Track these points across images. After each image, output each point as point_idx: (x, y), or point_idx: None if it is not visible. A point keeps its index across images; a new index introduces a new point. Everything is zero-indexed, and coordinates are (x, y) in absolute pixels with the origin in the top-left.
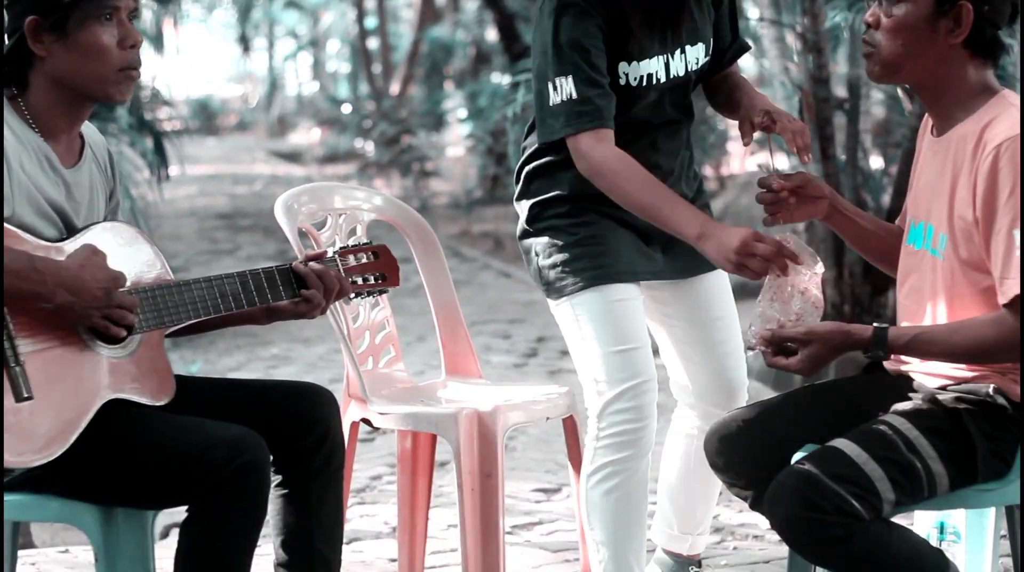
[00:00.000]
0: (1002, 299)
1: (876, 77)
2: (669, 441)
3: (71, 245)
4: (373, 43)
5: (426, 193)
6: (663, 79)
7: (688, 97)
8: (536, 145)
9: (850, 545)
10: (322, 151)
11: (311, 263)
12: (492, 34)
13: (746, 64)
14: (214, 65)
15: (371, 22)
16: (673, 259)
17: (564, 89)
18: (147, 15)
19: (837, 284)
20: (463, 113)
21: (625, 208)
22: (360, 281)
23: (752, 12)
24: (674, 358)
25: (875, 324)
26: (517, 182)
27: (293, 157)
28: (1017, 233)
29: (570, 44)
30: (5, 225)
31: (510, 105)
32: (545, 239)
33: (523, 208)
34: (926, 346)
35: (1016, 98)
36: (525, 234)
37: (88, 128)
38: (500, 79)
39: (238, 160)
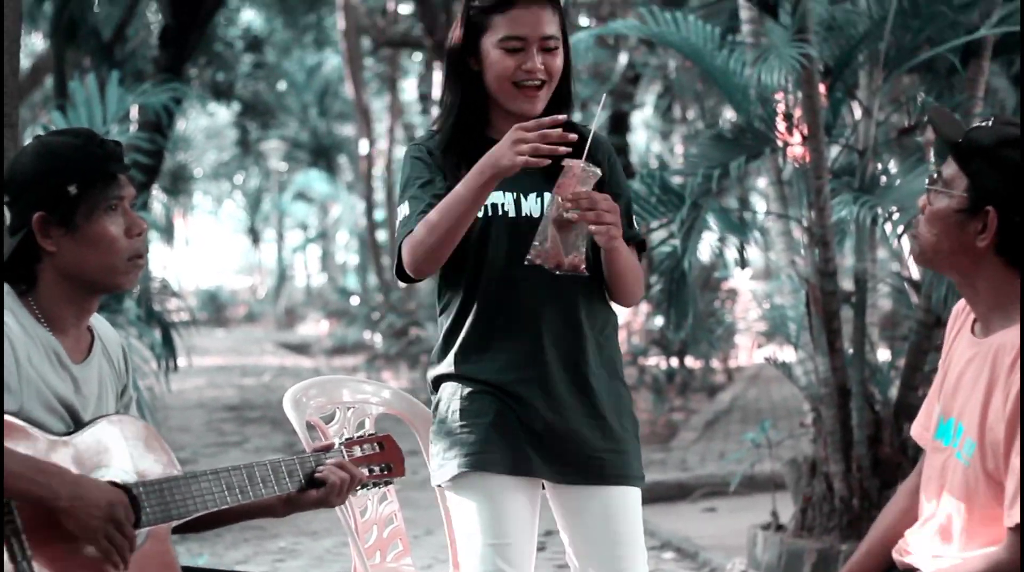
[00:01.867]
0: (1007, 522)
1: (916, 260)
2: None
3: (79, 438)
4: (382, 235)
5: None
6: (512, 211)
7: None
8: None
9: None
10: (330, 343)
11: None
12: None
13: (753, 256)
14: (223, 256)
15: (380, 214)
16: (558, 464)
17: (402, 211)
18: (157, 207)
19: (845, 477)
20: None
21: (437, 240)
22: (366, 472)
23: (759, 205)
24: (574, 561)
25: None
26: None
27: (301, 349)
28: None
29: (411, 177)
30: (12, 420)
31: None
32: (434, 428)
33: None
34: None
35: None
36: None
37: (100, 322)
38: None
39: (247, 352)
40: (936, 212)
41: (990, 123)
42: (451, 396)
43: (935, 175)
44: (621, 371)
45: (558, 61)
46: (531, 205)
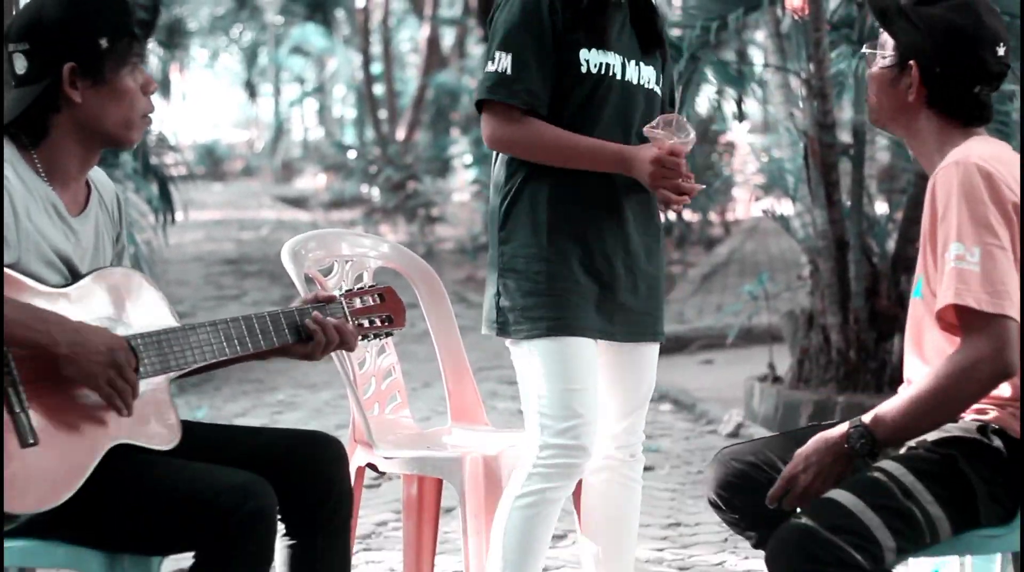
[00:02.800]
0: (937, 306)
1: (870, 121)
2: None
3: (76, 290)
4: (379, 89)
5: (432, 239)
6: (618, 75)
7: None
8: (506, 178)
9: None
10: (328, 197)
11: (315, 314)
12: None
13: (751, 109)
14: (220, 110)
15: (377, 68)
16: (624, 322)
17: (501, 63)
18: (154, 61)
19: (843, 330)
20: (468, 159)
21: (533, 157)
22: (367, 323)
23: (757, 58)
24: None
25: (850, 422)
26: (497, 221)
27: (299, 202)
28: (953, 247)
29: (521, 25)
30: (10, 273)
31: None
32: (509, 282)
33: (496, 234)
34: (908, 417)
35: (987, 137)
36: (494, 266)
37: (97, 173)
38: None
39: (244, 206)
40: (874, 74)
41: None
42: (535, 248)
43: (874, 40)
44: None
45: None
46: (632, 71)
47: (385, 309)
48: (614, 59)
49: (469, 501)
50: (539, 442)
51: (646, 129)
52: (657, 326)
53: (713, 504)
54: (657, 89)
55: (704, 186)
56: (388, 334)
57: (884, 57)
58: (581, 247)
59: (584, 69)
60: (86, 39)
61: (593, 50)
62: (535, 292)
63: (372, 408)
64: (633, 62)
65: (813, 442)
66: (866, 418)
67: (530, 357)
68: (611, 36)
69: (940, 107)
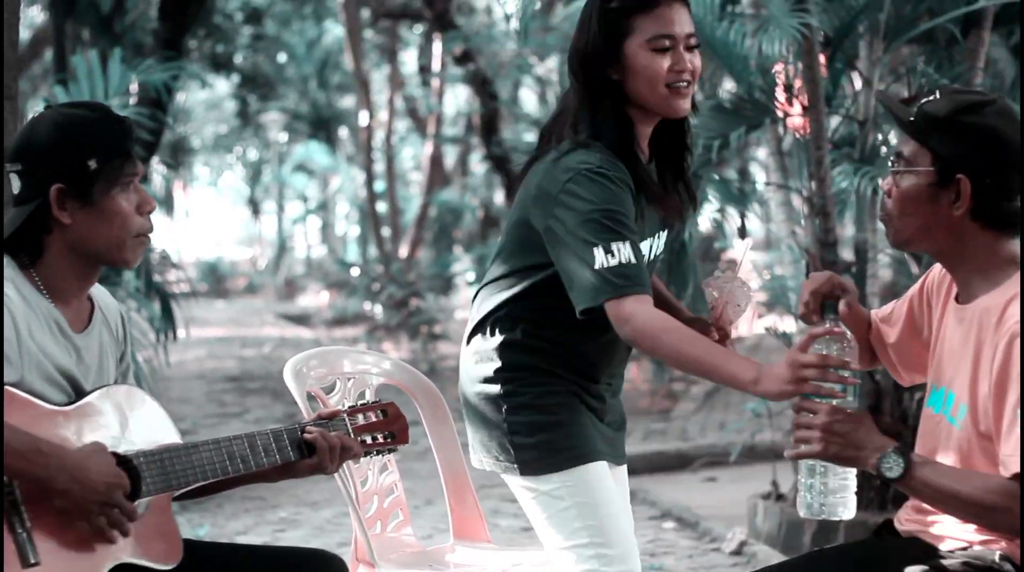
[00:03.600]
0: (1004, 473)
1: (892, 245)
2: None
3: (79, 408)
4: (382, 206)
5: (434, 356)
6: (647, 258)
7: None
8: (510, 313)
9: None
10: (330, 314)
11: (317, 427)
12: (500, 197)
13: (753, 227)
14: (223, 228)
15: (380, 186)
16: (616, 444)
17: (621, 253)
18: (157, 179)
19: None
20: (471, 276)
21: (674, 366)
22: (370, 440)
23: (759, 176)
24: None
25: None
26: (479, 333)
27: (302, 320)
28: (1019, 411)
29: (619, 212)
30: (13, 391)
31: None
32: (522, 418)
33: (489, 373)
34: (939, 477)
35: None
36: (496, 406)
37: (99, 291)
38: None
39: (247, 323)
40: (906, 192)
41: (937, 95)
42: (538, 385)
43: (894, 158)
44: None
45: (699, 60)
46: (656, 247)
47: (388, 426)
48: (646, 245)
49: None
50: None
51: (705, 282)
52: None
53: None
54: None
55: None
56: (391, 450)
57: (919, 174)
58: (581, 378)
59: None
60: (74, 161)
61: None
62: (551, 425)
63: (374, 526)
64: (655, 237)
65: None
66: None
67: (561, 491)
68: (648, 216)
69: (985, 220)
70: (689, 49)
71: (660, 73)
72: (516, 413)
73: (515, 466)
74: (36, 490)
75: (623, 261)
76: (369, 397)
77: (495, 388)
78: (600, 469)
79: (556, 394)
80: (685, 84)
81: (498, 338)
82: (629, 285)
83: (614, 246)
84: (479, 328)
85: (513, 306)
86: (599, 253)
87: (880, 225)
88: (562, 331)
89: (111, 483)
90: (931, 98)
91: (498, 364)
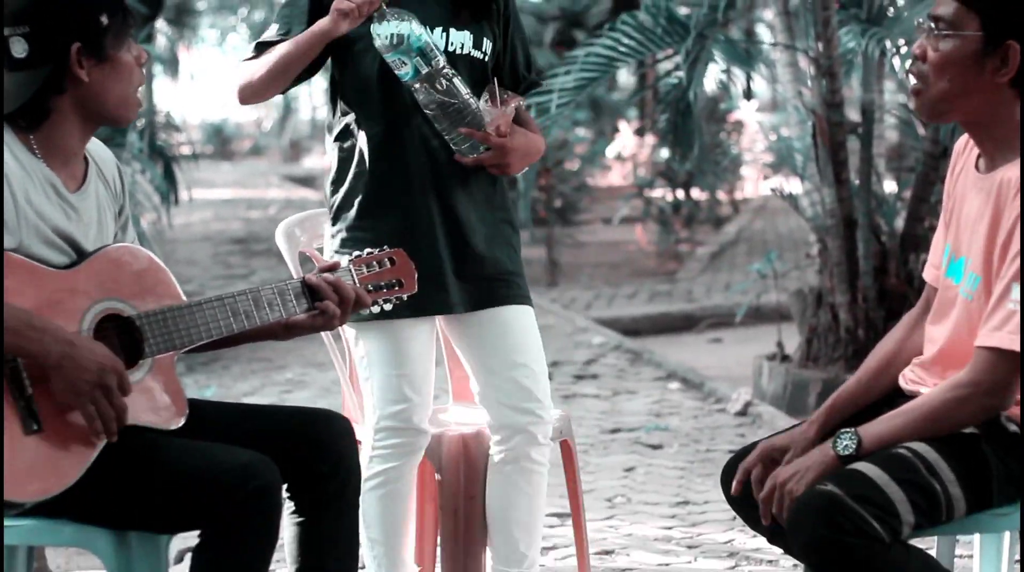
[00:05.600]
0: (978, 341)
1: (925, 115)
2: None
3: (81, 270)
4: None
5: None
6: None
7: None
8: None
9: (870, 568)
10: None
11: (325, 274)
12: None
13: (760, 88)
14: (229, 90)
15: None
16: (467, 290)
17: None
18: (161, 40)
19: (851, 308)
20: None
21: (269, 82)
22: (376, 289)
23: (765, 36)
24: (475, 381)
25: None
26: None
27: (307, 182)
28: (1017, 287)
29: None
30: (13, 256)
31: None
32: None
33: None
34: (891, 422)
35: None
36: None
37: (95, 145)
38: None
39: (252, 185)
40: (947, 56)
41: None
42: (359, 237)
43: (933, 19)
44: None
45: None
46: (436, 39)
47: (396, 273)
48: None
49: (446, 478)
50: (372, 425)
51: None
52: (509, 290)
53: (729, 500)
54: (477, 54)
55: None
56: (399, 299)
57: (963, 37)
58: (401, 225)
59: (378, 43)
60: (88, 17)
61: (384, 23)
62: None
63: None
64: (440, 29)
65: (806, 456)
66: (861, 429)
67: (359, 342)
68: (403, 3)
69: (1019, 87)
70: None
71: None
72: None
73: None
74: (35, 364)
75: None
76: None
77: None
78: (398, 326)
79: (374, 238)
80: None
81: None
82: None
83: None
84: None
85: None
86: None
87: (886, 86)
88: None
89: (104, 365)
90: None
91: (331, 203)
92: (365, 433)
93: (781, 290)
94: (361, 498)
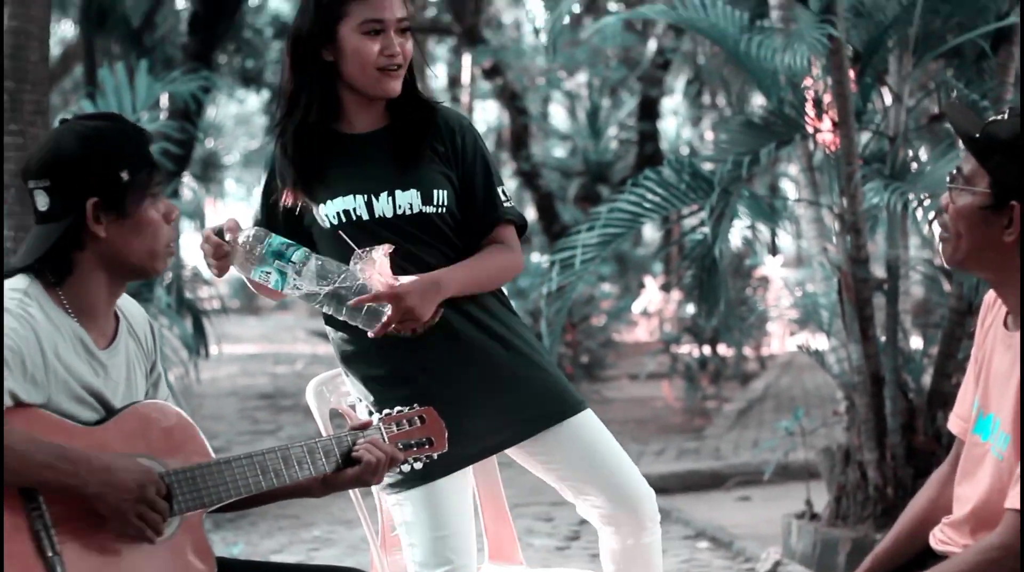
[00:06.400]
0: (1008, 503)
1: (947, 263)
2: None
3: (109, 427)
4: None
5: None
6: (365, 215)
7: (442, 244)
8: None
9: None
10: None
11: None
12: (530, 212)
13: (785, 243)
14: None
15: None
16: (512, 421)
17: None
18: (188, 194)
19: (879, 466)
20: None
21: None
22: (406, 447)
23: (790, 192)
24: (570, 494)
25: None
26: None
27: None
28: None
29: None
30: (42, 412)
31: (547, 283)
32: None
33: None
34: None
35: None
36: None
37: (126, 301)
38: (539, 259)
39: (279, 340)
40: (960, 210)
41: (1006, 116)
42: (367, 403)
43: (955, 173)
44: (515, 327)
45: (410, 44)
46: (383, 205)
47: (425, 432)
48: (354, 201)
49: None
50: None
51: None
52: (548, 408)
53: None
54: (429, 209)
55: None
56: (429, 457)
57: (974, 193)
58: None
59: (327, 225)
60: (107, 173)
61: (328, 202)
62: None
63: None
64: (385, 194)
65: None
66: None
67: (400, 507)
68: (347, 178)
69: None
70: (400, 32)
71: (370, 56)
72: None
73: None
74: (65, 508)
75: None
76: None
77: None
78: (435, 487)
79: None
80: (395, 67)
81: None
82: None
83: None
84: None
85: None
86: None
87: (911, 242)
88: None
89: (142, 481)
90: (998, 118)
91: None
92: None
93: (809, 447)
94: None
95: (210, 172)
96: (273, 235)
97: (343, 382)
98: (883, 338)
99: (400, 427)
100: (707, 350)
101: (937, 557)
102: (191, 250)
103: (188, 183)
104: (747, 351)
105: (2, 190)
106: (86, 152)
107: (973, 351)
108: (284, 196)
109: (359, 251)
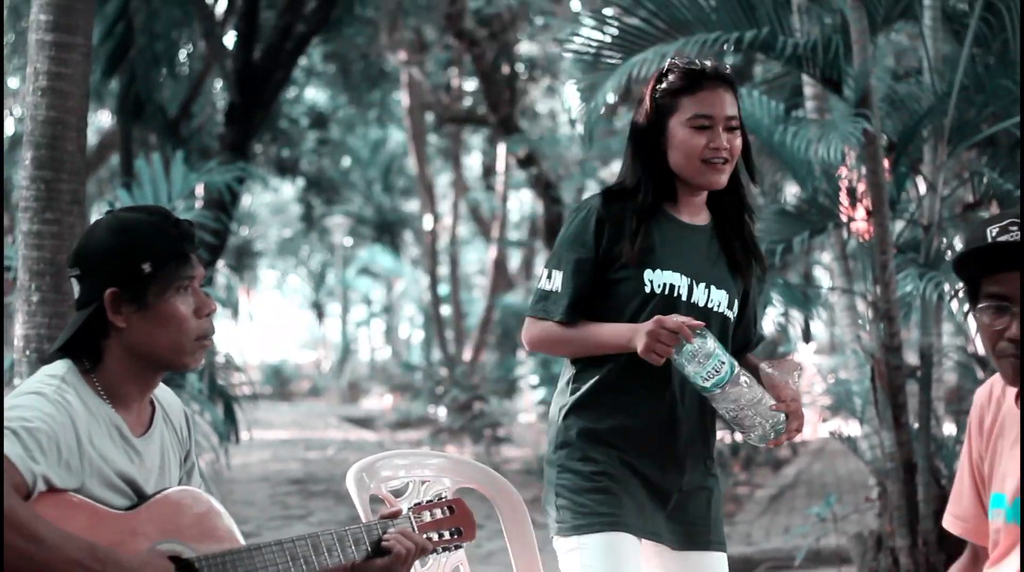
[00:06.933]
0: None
1: (1012, 383)
2: None
3: (141, 512)
4: (446, 310)
5: (498, 459)
6: (684, 296)
7: None
8: (566, 386)
9: None
10: (394, 417)
11: (392, 527)
12: None
13: (818, 331)
14: (288, 331)
15: (444, 289)
16: (675, 530)
17: (554, 280)
18: (221, 282)
19: (911, 552)
20: (535, 380)
21: (561, 353)
22: (436, 537)
23: (824, 280)
24: None
25: None
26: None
27: (365, 423)
28: None
29: (570, 244)
30: (74, 496)
31: None
32: (566, 480)
33: (554, 438)
34: None
35: None
36: (552, 469)
37: (162, 391)
38: None
39: (311, 425)
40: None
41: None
42: (586, 460)
43: (988, 302)
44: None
45: (739, 140)
46: (699, 294)
47: (455, 522)
48: (680, 280)
49: None
50: None
51: (762, 366)
52: (711, 536)
53: None
54: (729, 314)
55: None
56: (458, 547)
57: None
58: (634, 454)
59: (648, 290)
60: (127, 264)
61: (658, 270)
62: (587, 489)
63: None
64: (703, 285)
65: None
66: None
67: (579, 553)
68: (676, 257)
69: None
70: (729, 130)
71: (696, 148)
72: (563, 475)
73: (553, 525)
74: None
75: (549, 288)
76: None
77: (554, 453)
78: (618, 540)
79: (600, 463)
80: (721, 161)
81: (560, 402)
82: (538, 309)
83: (553, 273)
84: (558, 391)
85: (570, 370)
86: (543, 275)
87: (944, 329)
88: (599, 375)
89: None
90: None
91: (557, 428)
92: None
93: (841, 533)
94: None
95: (244, 260)
96: (714, 340)
97: (383, 467)
98: (916, 425)
99: (432, 516)
100: (739, 436)
101: None
102: (223, 337)
103: (222, 271)
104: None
105: (2, 184)
106: (110, 242)
107: (966, 450)
108: (605, 257)
109: (786, 360)
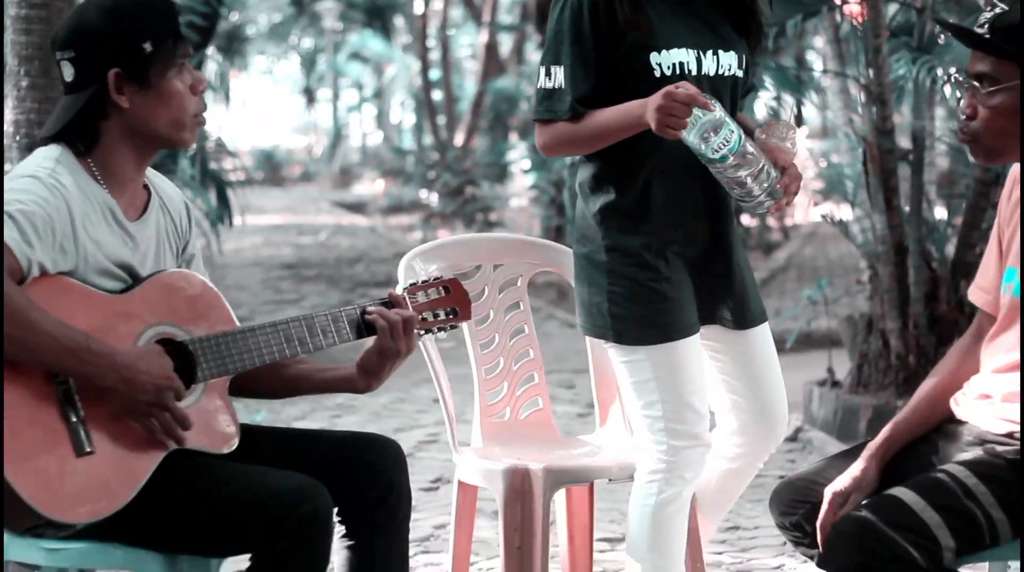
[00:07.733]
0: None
1: (983, 161)
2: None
3: (134, 294)
4: (437, 95)
5: None
6: (694, 71)
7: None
8: (593, 187)
9: None
10: (386, 202)
11: (376, 307)
12: None
13: (811, 115)
14: (279, 116)
15: (435, 74)
16: (731, 310)
17: (547, 79)
18: (212, 67)
19: (902, 335)
20: (527, 164)
21: (576, 150)
22: (430, 317)
23: (816, 64)
24: (720, 391)
25: None
26: (581, 199)
27: (357, 208)
28: None
29: (567, 36)
30: (68, 279)
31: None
32: (619, 288)
33: (597, 240)
34: None
35: None
36: (601, 273)
37: (160, 180)
38: None
39: (303, 211)
40: (998, 109)
41: (1005, 7)
42: (642, 266)
43: (973, 80)
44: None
45: None
46: (708, 63)
47: (451, 302)
48: (687, 55)
49: (506, 512)
50: (662, 449)
51: (755, 133)
52: (757, 309)
53: (779, 524)
54: (739, 73)
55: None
56: (453, 327)
57: (1011, 89)
58: (680, 246)
59: (658, 74)
60: (129, 44)
61: (663, 51)
62: (645, 299)
63: (502, 412)
64: (710, 52)
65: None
66: None
67: (645, 364)
68: (677, 31)
69: None
70: None
71: None
72: (617, 283)
73: (611, 332)
74: (88, 385)
75: (550, 86)
76: (521, 284)
77: (602, 257)
78: (686, 347)
79: (651, 267)
80: None
81: (595, 203)
82: (543, 110)
83: (552, 68)
84: (580, 194)
85: (596, 164)
86: (542, 74)
87: (937, 113)
88: (632, 166)
89: (160, 385)
90: (997, 11)
91: (601, 232)
92: (653, 454)
93: (832, 316)
94: (654, 521)
95: (234, 45)
96: (719, 108)
97: (437, 255)
98: (907, 208)
99: (426, 296)
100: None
101: (958, 424)
102: (214, 123)
103: (212, 56)
104: (771, 221)
105: (2, 152)
106: (109, 22)
107: (996, 222)
108: (604, 44)
109: (777, 122)
